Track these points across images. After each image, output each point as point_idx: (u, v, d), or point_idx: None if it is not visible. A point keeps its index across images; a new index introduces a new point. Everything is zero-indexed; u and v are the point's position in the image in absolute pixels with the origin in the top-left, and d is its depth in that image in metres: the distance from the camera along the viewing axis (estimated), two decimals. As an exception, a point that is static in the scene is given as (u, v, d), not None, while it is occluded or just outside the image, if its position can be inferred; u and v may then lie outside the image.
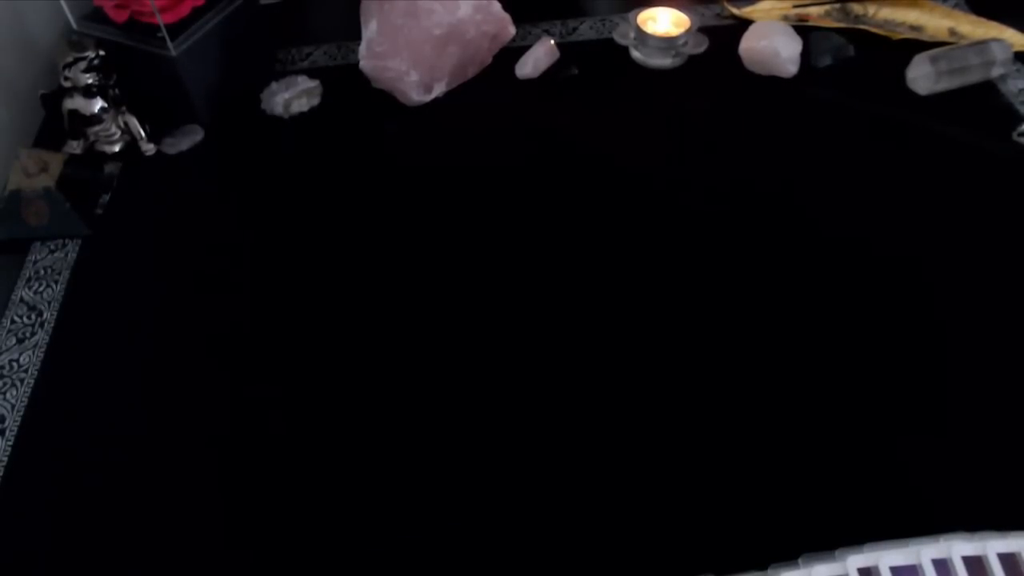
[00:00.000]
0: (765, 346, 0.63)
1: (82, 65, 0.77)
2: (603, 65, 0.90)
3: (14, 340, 0.68)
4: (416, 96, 0.85)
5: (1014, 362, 0.60)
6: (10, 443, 0.61)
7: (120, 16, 0.79)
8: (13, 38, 0.86)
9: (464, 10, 0.83)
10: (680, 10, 0.89)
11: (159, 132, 0.84)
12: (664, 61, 0.88)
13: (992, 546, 0.45)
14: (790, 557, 0.46)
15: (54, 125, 0.83)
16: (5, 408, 0.63)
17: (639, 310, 0.66)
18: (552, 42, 0.89)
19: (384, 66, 0.83)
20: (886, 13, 0.91)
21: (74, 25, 0.82)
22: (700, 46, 0.89)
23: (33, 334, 0.68)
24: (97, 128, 0.81)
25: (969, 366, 0.60)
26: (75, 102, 0.79)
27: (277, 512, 0.56)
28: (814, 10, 0.92)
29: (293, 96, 0.86)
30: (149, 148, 0.83)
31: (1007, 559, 0.45)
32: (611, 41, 0.92)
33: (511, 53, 0.90)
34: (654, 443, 0.57)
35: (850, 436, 0.57)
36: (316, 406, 0.62)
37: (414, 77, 0.84)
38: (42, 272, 0.74)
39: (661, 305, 0.66)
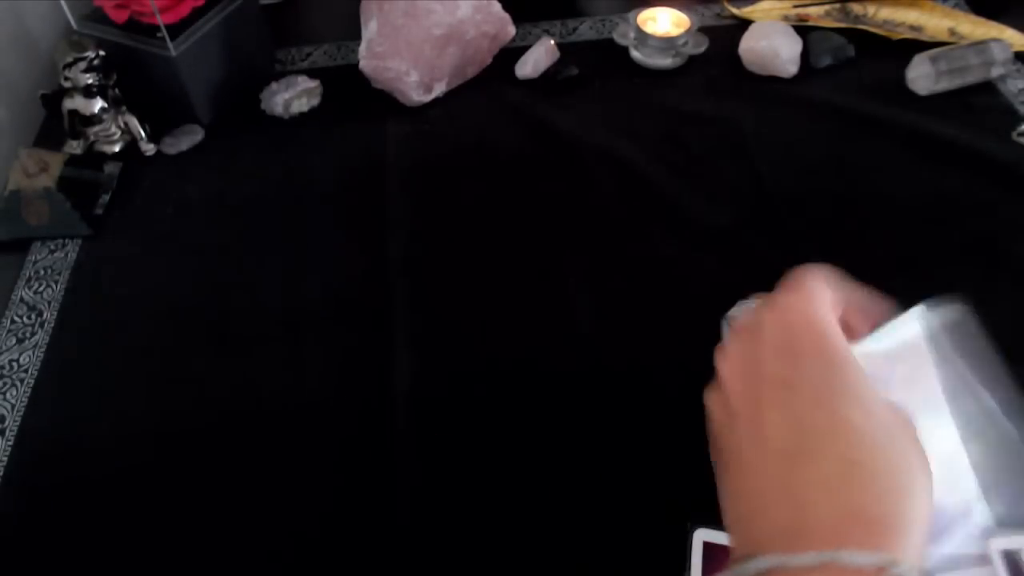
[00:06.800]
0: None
1: (82, 65, 0.77)
2: (603, 65, 0.90)
3: (14, 340, 0.68)
4: (416, 96, 0.85)
5: (1016, 362, 0.60)
6: (10, 443, 0.61)
7: (120, 16, 0.79)
8: (13, 38, 0.86)
9: (464, 10, 0.83)
10: (680, 10, 0.89)
11: (159, 132, 0.84)
12: (664, 61, 0.88)
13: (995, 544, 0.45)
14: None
15: (54, 125, 0.83)
16: (5, 408, 0.63)
17: (638, 309, 0.66)
18: (552, 42, 0.89)
19: (384, 66, 0.83)
20: (886, 13, 0.91)
21: (74, 25, 0.82)
22: (700, 46, 0.89)
23: (33, 334, 0.68)
24: (97, 128, 0.81)
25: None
26: (75, 102, 0.79)
27: (279, 515, 0.56)
28: (814, 10, 0.92)
29: (293, 96, 0.86)
30: (149, 148, 0.83)
31: (1008, 557, 0.45)
32: (611, 41, 0.92)
33: (511, 53, 0.90)
34: (653, 444, 0.57)
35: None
36: (319, 406, 0.62)
37: (414, 77, 0.84)
38: (42, 272, 0.74)
39: (660, 304, 0.66)
